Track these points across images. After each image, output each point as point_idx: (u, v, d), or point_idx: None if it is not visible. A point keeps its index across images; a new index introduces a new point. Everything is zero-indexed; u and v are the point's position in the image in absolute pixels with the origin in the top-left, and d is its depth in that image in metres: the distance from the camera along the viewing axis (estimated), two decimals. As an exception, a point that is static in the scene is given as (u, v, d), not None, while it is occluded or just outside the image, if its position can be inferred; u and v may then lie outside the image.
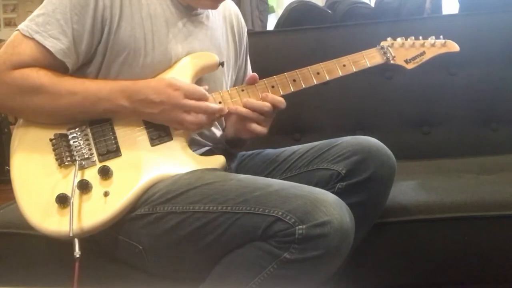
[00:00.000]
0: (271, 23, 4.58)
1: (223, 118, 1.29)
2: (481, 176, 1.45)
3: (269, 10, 4.69)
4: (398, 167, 1.14)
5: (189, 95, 1.05)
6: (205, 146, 1.21)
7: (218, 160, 1.10)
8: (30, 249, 1.23)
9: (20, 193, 1.03)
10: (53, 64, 1.05)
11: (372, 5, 2.51)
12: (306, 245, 0.88)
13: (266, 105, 1.12)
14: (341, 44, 1.80)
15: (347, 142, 1.15)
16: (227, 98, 1.14)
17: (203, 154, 1.16)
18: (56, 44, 1.03)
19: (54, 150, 1.05)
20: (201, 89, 1.08)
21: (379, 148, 1.12)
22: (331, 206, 0.91)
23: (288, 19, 2.07)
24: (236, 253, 0.95)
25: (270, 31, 3.17)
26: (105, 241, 1.08)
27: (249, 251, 0.93)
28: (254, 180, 1.01)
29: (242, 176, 1.04)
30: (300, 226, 0.88)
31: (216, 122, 1.24)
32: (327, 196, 0.94)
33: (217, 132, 1.26)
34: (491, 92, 1.80)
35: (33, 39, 1.03)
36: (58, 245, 1.15)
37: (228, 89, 1.19)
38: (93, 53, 1.08)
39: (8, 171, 1.05)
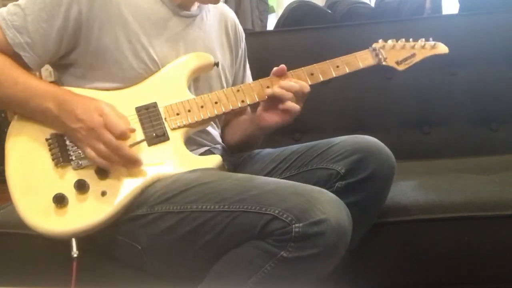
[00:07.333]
0: (271, 23, 4.57)
1: (220, 119, 1.29)
2: (481, 176, 1.45)
3: (269, 10, 4.67)
4: (398, 167, 1.14)
5: (109, 127, 1.00)
6: (203, 146, 1.21)
7: (215, 160, 1.10)
8: (30, 249, 1.23)
9: (16, 193, 1.03)
10: (11, 52, 1.07)
11: (372, 5, 2.52)
12: (303, 244, 0.88)
13: (297, 86, 1.13)
14: (341, 44, 1.80)
15: (346, 141, 1.14)
16: (222, 98, 1.14)
17: (201, 154, 1.16)
18: (16, 37, 1.05)
19: (50, 150, 1.05)
20: (123, 127, 1.02)
21: (379, 147, 1.12)
22: (328, 204, 0.91)
23: (288, 19, 2.07)
24: (234, 252, 0.95)
25: (270, 31, 3.17)
26: (103, 241, 1.08)
27: (247, 249, 0.93)
28: (251, 179, 1.01)
29: (239, 175, 1.04)
30: (297, 225, 0.88)
31: (212, 122, 1.24)
32: (324, 195, 0.93)
33: (214, 132, 1.26)
34: (491, 92, 1.79)
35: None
36: (57, 245, 1.15)
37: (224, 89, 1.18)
38: (72, 55, 1.10)
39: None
